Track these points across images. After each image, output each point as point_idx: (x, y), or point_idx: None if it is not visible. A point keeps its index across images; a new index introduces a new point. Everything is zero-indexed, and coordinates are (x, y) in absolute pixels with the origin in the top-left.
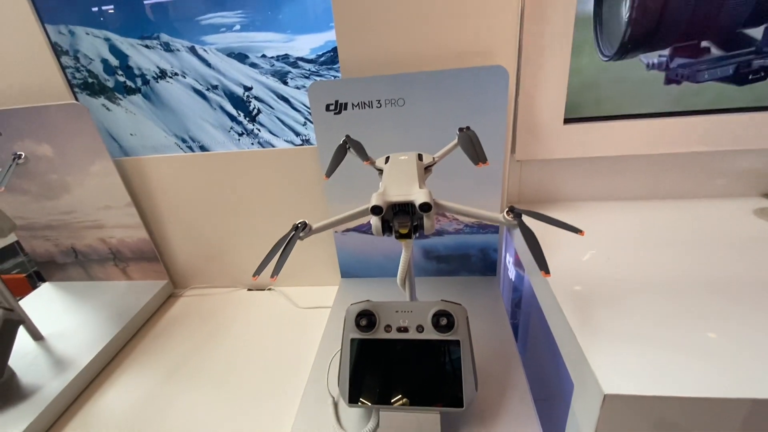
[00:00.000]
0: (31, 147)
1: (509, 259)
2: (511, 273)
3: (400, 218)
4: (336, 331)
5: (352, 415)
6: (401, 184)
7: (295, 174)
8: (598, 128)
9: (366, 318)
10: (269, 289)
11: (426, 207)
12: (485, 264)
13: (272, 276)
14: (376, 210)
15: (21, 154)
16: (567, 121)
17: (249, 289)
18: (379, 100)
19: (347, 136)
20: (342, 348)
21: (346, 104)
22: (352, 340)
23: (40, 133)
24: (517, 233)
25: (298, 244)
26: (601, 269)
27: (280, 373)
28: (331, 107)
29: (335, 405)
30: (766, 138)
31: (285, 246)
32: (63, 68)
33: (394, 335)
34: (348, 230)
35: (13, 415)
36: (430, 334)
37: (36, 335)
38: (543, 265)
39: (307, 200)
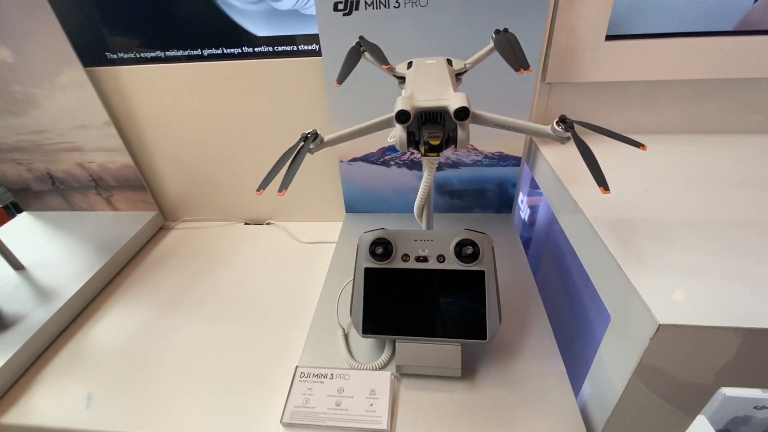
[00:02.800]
0: None
1: (522, 198)
2: (524, 213)
3: (429, 128)
4: (342, 265)
5: (363, 347)
6: (431, 89)
7: (297, 89)
8: (644, 46)
9: (382, 246)
10: (268, 224)
11: (463, 113)
12: (501, 200)
13: (280, 190)
14: (402, 116)
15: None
16: (609, 38)
17: (246, 223)
18: None
19: (361, 37)
20: (355, 278)
21: (357, 2)
22: (367, 269)
23: None
24: (540, 164)
25: (299, 175)
26: (639, 201)
27: (284, 306)
28: (340, 6)
29: (345, 336)
30: None
31: (294, 158)
32: None
33: (413, 265)
34: (355, 159)
35: (10, 337)
36: (453, 264)
37: (16, 264)
38: (602, 181)
39: (312, 120)
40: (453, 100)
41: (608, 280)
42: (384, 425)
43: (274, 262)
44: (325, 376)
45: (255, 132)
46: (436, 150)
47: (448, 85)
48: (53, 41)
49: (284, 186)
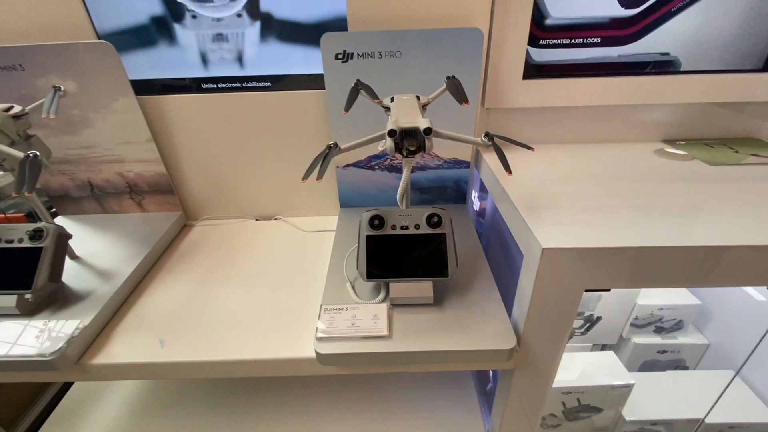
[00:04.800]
0: (55, 82)
1: (474, 194)
2: (475, 205)
3: (408, 140)
4: (343, 244)
5: (364, 293)
6: (408, 115)
7: (303, 115)
8: (549, 84)
9: (378, 220)
10: (275, 219)
11: (428, 130)
12: (457, 194)
13: (318, 179)
14: (392, 133)
15: (61, 87)
16: (525, 76)
17: (257, 219)
18: (380, 52)
19: (358, 80)
20: (359, 243)
21: (352, 54)
22: (368, 236)
23: (65, 70)
24: (483, 166)
25: (299, 180)
26: (543, 189)
27: (301, 274)
28: (339, 56)
29: (352, 286)
30: (665, 95)
31: (324, 159)
32: (87, 7)
33: (398, 232)
34: (348, 165)
35: (79, 309)
36: (425, 229)
37: (72, 255)
38: (507, 168)
39: (313, 140)
40: (422, 122)
41: (521, 232)
42: (385, 332)
43: (286, 247)
44: (342, 309)
45: (266, 145)
46: (413, 153)
47: (419, 113)
48: (115, 77)
49: (320, 176)
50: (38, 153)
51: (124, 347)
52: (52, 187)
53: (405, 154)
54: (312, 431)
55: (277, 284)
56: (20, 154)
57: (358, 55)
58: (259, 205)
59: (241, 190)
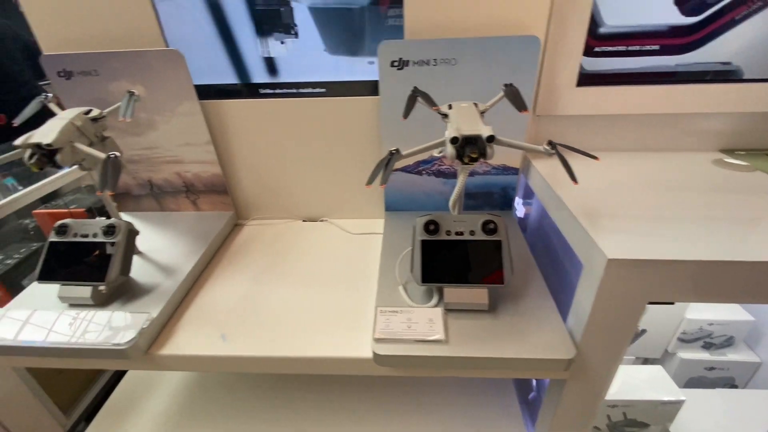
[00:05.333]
0: (127, 87)
1: (518, 200)
2: (520, 212)
3: (470, 147)
4: (392, 247)
5: (416, 297)
6: (470, 122)
7: (354, 120)
8: (603, 91)
9: (433, 224)
10: (321, 221)
11: (491, 138)
12: (504, 200)
13: (381, 184)
14: (454, 140)
15: (135, 92)
16: (579, 84)
17: (304, 220)
18: (435, 59)
19: (415, 87)
20: (413, 247)
21: (407, 62)
22: (423, 241)
23: (136, 76)
24: (533, 172)
25: (349, 180)
26: (601, 196)
27: (350, 274)
28: (395, 63)
29: (405, 289)
30: (724, 104)
31: (387, 164)
32: (158, 17)
33: (453, 237)
34: (395, 170)
35: (145, 302)
36: (481, 236)
37: (136, 250)
38: (573, 177)
39: (362, 145)
40: (485, 130)
41: (581, 242)
42: (442, 336)
43: (334, 248)
44: (397, 312)
45: (316, 149)
46: (475, 161)
47: (480, 120)
48: (181, 83)
49: (383, 181)
50: (119, 154)
51: (188, 339)
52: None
53: (467, 161)
54: (352, 430)
55: (329, 284)
56: (102, 155)
57: (413, 62)
58: (306, 207)
59: (289, 192)
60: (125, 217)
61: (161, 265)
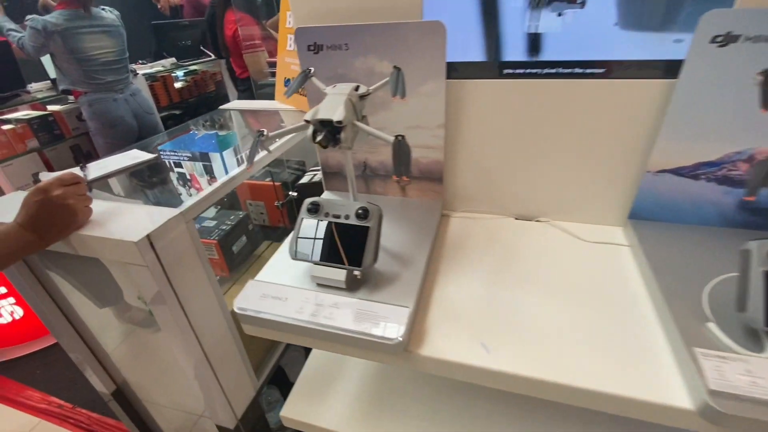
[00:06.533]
0: (370, 63)
1: None
2: None
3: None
4: (668, 267)
5: (738, 339)
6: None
7: (621, 107)
8: None
9: None
10: (537, 221)
11: (339, 123)
12: None
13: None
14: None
15: (311, 69)
16: None
17: (516, 218)
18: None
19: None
20: (746, 279)
21: (738, 36)
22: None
23: (386, 50)
24: None
25: (579, 180)
26: None
27: (607, 292)
28: (719, 39)
29: (720, 328)
30: None
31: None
32: None
33: None
34: (664, 171)
35: (392, 293)
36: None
37: None
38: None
39: (615, 137)
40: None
41: None
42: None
43: (568, 255)
44: (726, 359)
45: (554, 138)
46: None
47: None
48: (433, 60)
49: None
50: (404, 135)
51: (444, 342)
52: (330, 164)
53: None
54: None
55: (580, 300)
56: (390, 137)
57: (746, 38)
58: (521, 203)
59: (504, 185)
60: (331, 196)
61: (391, 252)
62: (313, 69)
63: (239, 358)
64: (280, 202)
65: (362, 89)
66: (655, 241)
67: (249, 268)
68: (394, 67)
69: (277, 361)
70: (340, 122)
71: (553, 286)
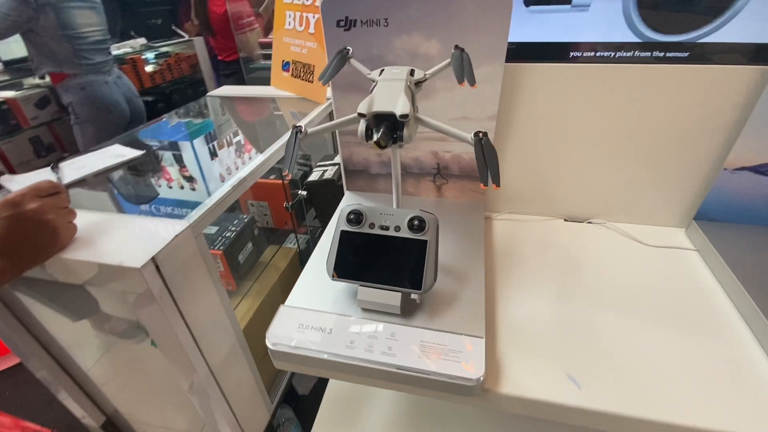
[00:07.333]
0: (414, 43)
1: None
2: None
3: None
4: (754, 277)
5: None
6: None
7: (703, 97)
8: None
9: None
10: (589, 222)
11: (403, 118)
12: None
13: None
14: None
15: (349, 49)
16: None
17: (565, 220)
18: None
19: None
20: None
21: None
22: None
23: (435, 27)
24: None
25: (637, 177)
26: None
27: (691, 309)
28: None
29: None
30: None
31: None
32: None
33: None
34: (743, 168)
35: (454, 316)
36: None
37: None
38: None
39: (685, 130)
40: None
41: None
42: None
43: (634, 262)
44: None
45: (614, 132)
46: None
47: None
48: (494, 40)
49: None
50: (486, 132)
51: (524, 376)
52: (354, 160)
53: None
54: None
55: (659, 318)
56: (467, 135)
57: None
58: (570, 204)
59: (553, 184)
60: (353, 196)
61: (441, 265)
62: (351, 49)
63: (252, 382)
64: (290, 203)
65: (418, 74)
66: (731, 245)
67: (257, 279)
68: (456, 46)
69: (290, 379)
70: (405, 116)
71: (624, 301)
